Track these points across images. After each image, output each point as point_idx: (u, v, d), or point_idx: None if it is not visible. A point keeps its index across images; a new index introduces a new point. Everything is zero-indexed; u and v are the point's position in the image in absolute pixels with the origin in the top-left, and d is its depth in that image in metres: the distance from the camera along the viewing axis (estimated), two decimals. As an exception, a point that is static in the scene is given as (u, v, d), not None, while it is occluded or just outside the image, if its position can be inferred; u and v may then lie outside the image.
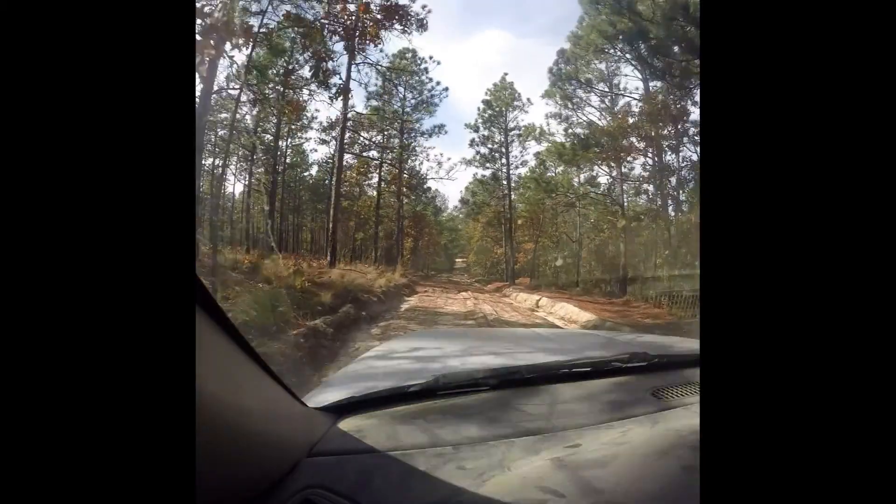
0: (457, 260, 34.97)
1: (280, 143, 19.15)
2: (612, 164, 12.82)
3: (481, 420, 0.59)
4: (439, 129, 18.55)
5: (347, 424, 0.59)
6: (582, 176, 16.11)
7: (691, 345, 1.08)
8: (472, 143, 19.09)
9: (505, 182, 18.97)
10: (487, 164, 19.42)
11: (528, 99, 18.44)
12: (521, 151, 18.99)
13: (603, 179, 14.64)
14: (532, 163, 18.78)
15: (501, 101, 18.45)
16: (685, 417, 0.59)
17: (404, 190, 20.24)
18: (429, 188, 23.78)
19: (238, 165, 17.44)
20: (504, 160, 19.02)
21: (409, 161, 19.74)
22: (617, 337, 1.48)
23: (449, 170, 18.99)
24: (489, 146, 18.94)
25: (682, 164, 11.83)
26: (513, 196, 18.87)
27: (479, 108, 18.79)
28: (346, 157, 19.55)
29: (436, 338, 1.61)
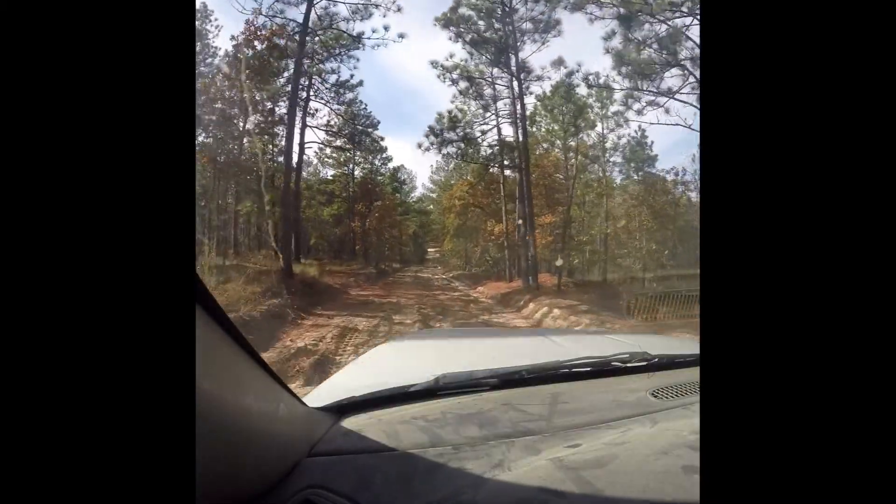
0: (429, 250, 27.54)
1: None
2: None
3: (481, 420, 0.60)
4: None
5: (348, 424, 0.59)
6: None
7: (691, 345, 1.10)
8: (446, 25, 9.97)
9: (510, 99, 10.09)
10: (474, 76, 10.26)
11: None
12: (537, 50, 10.21)
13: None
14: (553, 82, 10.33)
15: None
16: (685, 417, 0.59)
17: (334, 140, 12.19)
18: (382, 140, 15.70)
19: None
20: (507, 64, 10.02)
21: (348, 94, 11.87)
22: (617, 337, 1.46)
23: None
24: (475, 33, 9.96)
25: None
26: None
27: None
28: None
29: (436, 338, 1.64)
